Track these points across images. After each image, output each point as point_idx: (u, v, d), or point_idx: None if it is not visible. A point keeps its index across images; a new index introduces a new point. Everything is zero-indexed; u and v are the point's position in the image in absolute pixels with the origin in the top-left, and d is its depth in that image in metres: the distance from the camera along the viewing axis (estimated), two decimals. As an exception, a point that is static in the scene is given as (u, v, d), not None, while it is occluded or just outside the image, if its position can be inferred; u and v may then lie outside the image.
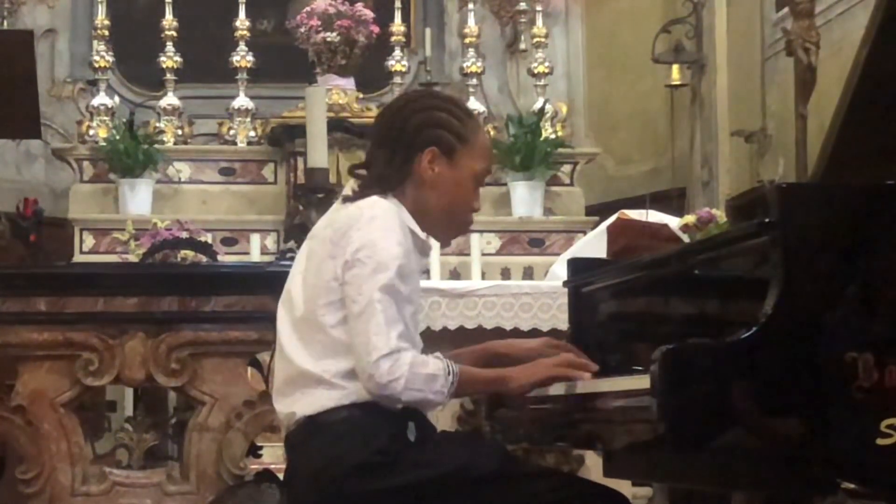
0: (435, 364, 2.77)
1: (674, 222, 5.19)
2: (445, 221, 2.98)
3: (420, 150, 2.90)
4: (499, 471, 2.77)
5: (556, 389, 2.91)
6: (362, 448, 2.74)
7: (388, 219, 2.81)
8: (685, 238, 4.92)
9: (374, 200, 2.85)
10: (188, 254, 5.94)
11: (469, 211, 2.98)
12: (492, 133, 8.45)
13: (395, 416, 2.78)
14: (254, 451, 4.24)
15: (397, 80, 8.84)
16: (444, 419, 4.73)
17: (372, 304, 2.73)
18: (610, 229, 5.13)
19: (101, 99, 8.54)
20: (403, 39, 8.89)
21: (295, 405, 2.84)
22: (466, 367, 2.86)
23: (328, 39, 8.39)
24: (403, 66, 8.82)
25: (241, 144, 8.64)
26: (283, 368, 2.90)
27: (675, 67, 8.51)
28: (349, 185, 2.96)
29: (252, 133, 8.65)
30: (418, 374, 2.73)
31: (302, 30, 8.47)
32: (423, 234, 2.90)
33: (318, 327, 2.82)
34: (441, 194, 2.92)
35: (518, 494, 2.75)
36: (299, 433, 2.84)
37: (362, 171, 2.96)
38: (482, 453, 2.83)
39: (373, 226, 2.79)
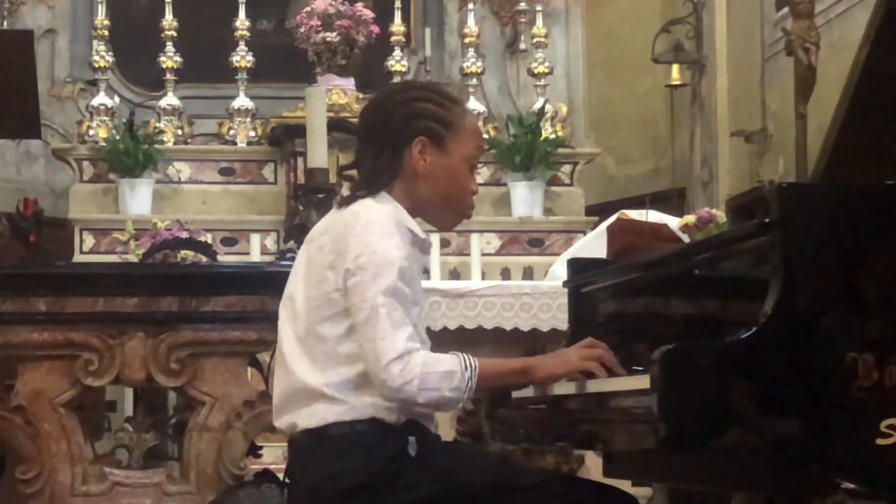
0: (449, 361, 2.70)
1: (674, 222, 5.20)
2: (444, 209, 2.93)
3: (408, 142, 2.85)
4: (498, 486, 2.73)
5: (557, 389, 2.91)
6: (362, 468, 2.70)
7: (385, 222, 2.76)
8: (685, 238, 4.92)
9: (370, 204, 2.81)
10: (188, 254, 5.94)
11: (467, 195, 2.93)
12: (492, 133, 8.46)
13: (396, 431, 2.74)
14: (254, 451, 4.24)
15: (397, 80, 8.82)
16: (443, 420, 4.72)
17: (376, 308, 2.68)
18: (610, 229, 5.13)
19: (101, 99, 8.53)
20: (403, 39, 8.88)
21: (296, 418, 2.80)
22: (487, 359, 2.77)
23: (328, 39, 8.39)
24: (403, 66, 8.81)
25: (241, 144, 8.63)
26: (283, 382, 2.85)
27: (675, 67, 8.50)
28: (344, 189, 2.94)
29: (252, 133, 8.64)
30: (432, 373, 2.66)
31: (302, 30, 8.47)
32: (422, 233, 2.86)
33: (321, 339, 2.77)
34: (435, 183, 2.87)
35: None
36: (303, 440, 2.80)
37: (352, 172, 2.92)
38: (482, 468, 2.79)
39: (370, 231, 2.74)
